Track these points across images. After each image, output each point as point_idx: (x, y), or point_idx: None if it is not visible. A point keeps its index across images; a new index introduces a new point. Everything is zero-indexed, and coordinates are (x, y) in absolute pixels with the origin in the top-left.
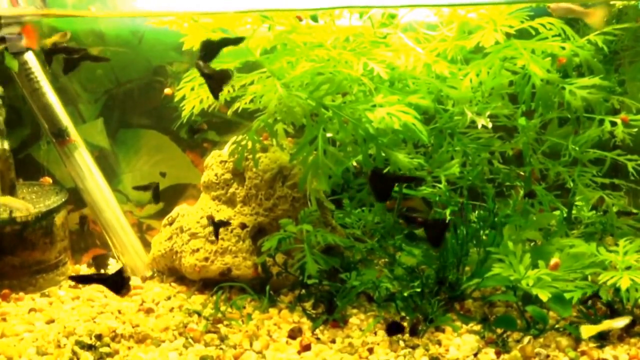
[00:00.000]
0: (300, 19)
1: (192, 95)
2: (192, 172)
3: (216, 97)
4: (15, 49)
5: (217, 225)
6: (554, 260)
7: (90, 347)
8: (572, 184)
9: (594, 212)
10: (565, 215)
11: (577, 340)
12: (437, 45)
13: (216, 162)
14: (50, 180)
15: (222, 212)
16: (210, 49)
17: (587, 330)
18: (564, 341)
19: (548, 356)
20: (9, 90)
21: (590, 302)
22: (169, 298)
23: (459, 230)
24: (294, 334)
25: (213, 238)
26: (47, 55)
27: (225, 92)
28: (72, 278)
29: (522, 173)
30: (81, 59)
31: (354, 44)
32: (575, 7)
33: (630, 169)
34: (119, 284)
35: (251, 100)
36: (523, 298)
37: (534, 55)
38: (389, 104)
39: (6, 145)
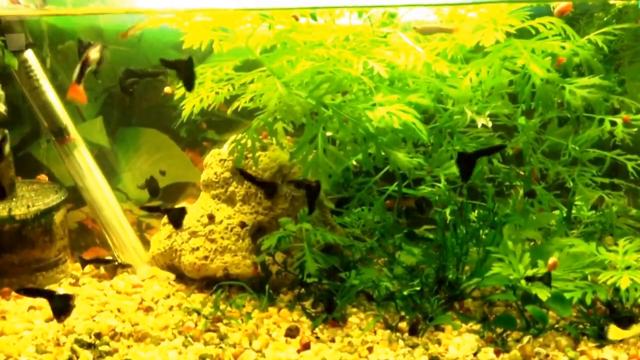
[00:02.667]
0: (296, 18)
1: (192, 94)
2: (192, 171)
3: (189, 88)
4: (15, 47)
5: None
6: (552, 260)
7: (89, 346)
8: (571, 184)
9: (593, 211)
10: (565, 214)
11: (577, 339)
12: (437, 44)
13: (216, 161)
14: (47, 178)
15: (222, 211)
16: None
17: (616, 333)
18: (564, 341)
19: (547, 355)
20: (9, 89)
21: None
22: (169, 297)
23: (459, 229)
24: (291, 333)
25: (213, 237)
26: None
27: (225, 91)
28: (17, 291)
29: (521, 172)
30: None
31: (353, 43)
32: (442, 25)
33: (630, 168)
34: (60, 308)
35: (251, 99)
36: (523, 297)
37: (534, 54)
38: (388, 103)
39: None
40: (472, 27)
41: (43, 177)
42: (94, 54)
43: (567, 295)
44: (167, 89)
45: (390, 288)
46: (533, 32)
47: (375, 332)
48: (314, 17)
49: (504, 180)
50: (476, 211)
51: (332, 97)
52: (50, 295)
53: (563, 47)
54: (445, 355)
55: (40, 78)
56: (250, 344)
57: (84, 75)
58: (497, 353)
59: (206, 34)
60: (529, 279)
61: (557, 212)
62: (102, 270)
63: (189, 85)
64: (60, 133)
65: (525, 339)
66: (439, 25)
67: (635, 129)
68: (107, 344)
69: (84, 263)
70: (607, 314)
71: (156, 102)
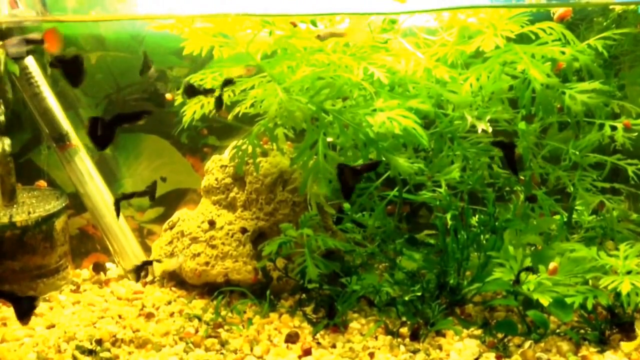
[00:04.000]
0: (294, 25)
1: (192, 101)
2: (193, 177)
3: (75, 84)
4: (15, 54)
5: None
6: (552, 265)
7: (90, 352)
8: (572, 189)
9: (594, 216)
10: (565, 219)
11: (578, 344)
12: (437, 49)
13: (216, 167)
14: (45, 184)
15: (223, 217)
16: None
17: (628, 346)
18: (565, 346)
19: None
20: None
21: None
22: (170, 303)
23: (460, 234)
24: (291, 339)
25: (214, 243)
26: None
27: (226, 97)
28: None
29: (522, 177)
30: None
31: (354, 48)
32: (335, 30)
33: (630, 173)
34: (24, 309)
35: (252, 105)
36: (524, 302)
37: (534, 59)
38: (389, 108)
39: (7, 146)
40: (361, 26)
41: (42, 183)
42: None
43: (568, 300)
44: (168, 96)
45: (392, 293)
46: (533, 37)
47: (376, 338)
48: (314, 23)
49: (504, 185)
50: (477, 216)
51: (332, 103)
52: (12, 298)
53: (563, 52)
54: None
55: (41, 84)
56: (252, 350)
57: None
58: (499, 358)
59: (206, 40)
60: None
61: (557, 217)
62: (102, 275)
63: (76, 81)
64: (61, 139)
65: (527, 344)
66: (331, 31)
67: (636, 134)
68: (108, 350)
69: (139, 273)
70: (608, 319)
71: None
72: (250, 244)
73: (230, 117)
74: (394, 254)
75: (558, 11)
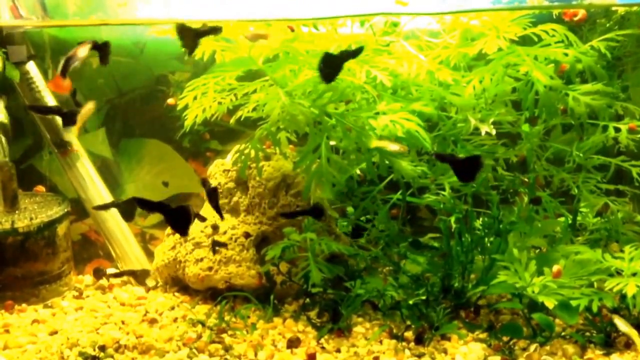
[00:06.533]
0: (292, 30)
1: (195, 105)
2: (195, 181)
3: None
4: (16, 59)
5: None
6: (556, 267)
7: (93, 359)
8: (576, 191)
9: (598, 218)
10: (570, 221)
11: (584, 347)
12: (440, 52)
13: (219, 171)
14: (44, 189)
15: (226, 221)
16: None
17: None
18: (571, 348)
19: None
20: (11, 100)
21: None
22: (173, 308)
23: (464, 237)
24: (292, 344)
25: (217, 247)
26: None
27: (228, 101)
28: None
29: (526, 180)
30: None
31: None
32: (259, 32)
33: (634, 174)
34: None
35: (254, 109)
36: (529, 305)
37: (537, 61)
38: (392, 111)
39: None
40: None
41: (40, 189)
42: (82, 51)
43: (574, 303)
44: (170, 100)
45: (396, 297)
46: (535, 39)
47: (381, 342)
48: (315, 27)
49: (508, 187)
50: (481, 219)
51: (335, 106)
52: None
53: (566, 54)
54: None
55: (42, 90)
56: (256, 355)
57: (68, 70)
58: None
59: (208, 44)
60: None
61: (562, 219)
62: (105, 281)
63: None
64: (62, 145)
65: (532, 347)
66: (257, 33)
67: None
68: (112, 356)
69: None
70: (613, 321)
71: (159, 113)
72: (253, 249)
73: (232, 121)
74: (398, 258)
75: (580, 12)
